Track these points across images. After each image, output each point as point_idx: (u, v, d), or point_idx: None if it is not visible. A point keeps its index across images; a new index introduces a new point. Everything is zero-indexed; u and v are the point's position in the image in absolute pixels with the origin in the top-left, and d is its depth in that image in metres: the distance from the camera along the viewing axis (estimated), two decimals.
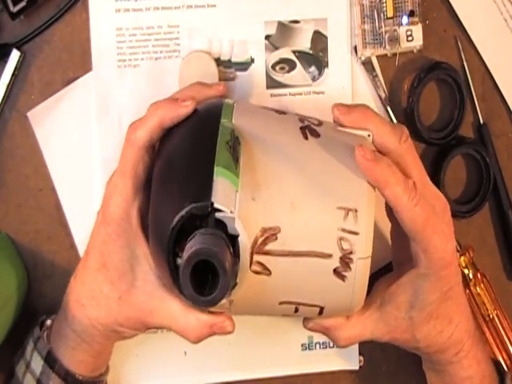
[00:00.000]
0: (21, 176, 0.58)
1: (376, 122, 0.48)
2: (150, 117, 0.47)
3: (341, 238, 0.44)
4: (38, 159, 0.58)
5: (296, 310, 0.46)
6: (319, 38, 0.59)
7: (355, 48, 0.59)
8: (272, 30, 0.59)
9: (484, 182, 0.62)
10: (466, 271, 0.61)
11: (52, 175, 0.58)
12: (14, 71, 0.57)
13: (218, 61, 0.58)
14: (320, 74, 0.59)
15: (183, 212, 0.41)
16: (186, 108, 0.47)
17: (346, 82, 0.59)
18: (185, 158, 0.45)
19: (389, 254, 0.55)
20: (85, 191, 0.58)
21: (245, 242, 0.42)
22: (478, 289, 0.61)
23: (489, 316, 0.61)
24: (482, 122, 0.62)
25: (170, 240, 0.42)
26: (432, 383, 0.56)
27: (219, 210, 0.41)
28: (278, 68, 0.59)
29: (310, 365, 0.62)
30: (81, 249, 0.58)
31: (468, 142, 0.62)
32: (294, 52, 0.59)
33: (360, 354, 0.62)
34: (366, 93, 0.60)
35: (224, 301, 0.41)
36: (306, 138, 0.47)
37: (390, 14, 0.59)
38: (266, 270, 0.43)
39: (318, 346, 0.62)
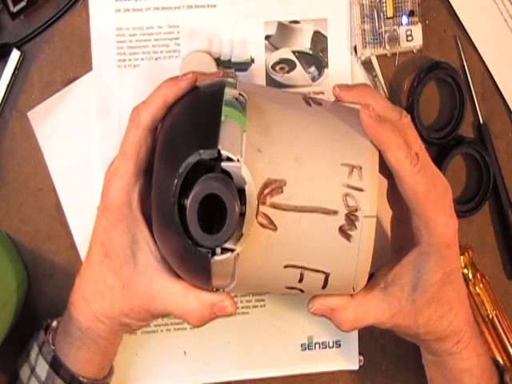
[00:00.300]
0: (21, 176, 0.58)
1: (377, 96, 0.49)
2: (154, 97, 0.47)
3: (346, 194, 0.44)
4: (37, 159, 0.58)
5: (301, 278, 0.45)
6: (319, 38, 0.59)
7: (355, 48, 0.59)
8: (272, 30, 0.59)
9: (484, 181, 0.62)
10: (465, 271, 0.61)
11: (52, 175, 0.58)
12: (14, 71, 0.57)
13: (218, 61, 0.58)
14: (320, 74, 0.59)
15: (190, 159, 0.41)
16: (186, 80, 0.47)
17: (346, 82, 0.59)
18: (189, 116, 0.45)
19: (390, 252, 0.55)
20: (85, 191, 0.58)
21: (251, 190, 0.42)
22: (477, 289, 0.61)
23: (488, 316, 0.61)
24: (481, 121, 0.62)
25: (177, 186, 0.42)
26: (431, 377, 0.56)
27: (225, 160, 0.41)
28: (277, 68, 0.59)
29: (309, 365, 0.62)
30: (81, 249, 0.58)
31: (468, 142, 0.62)
32: (293, 52, 0.59)
33: (360, 353, 0.62)
34: None
35: (229, 254, 0.42)
36: (309, 104, 0.47)
37: (389, 13, 0.59)
38: (271, 225, 0.43)
39: (317, 346, 0.62)
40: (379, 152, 0.45)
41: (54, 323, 0.53)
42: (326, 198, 0.44)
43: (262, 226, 0.43)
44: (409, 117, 0.48)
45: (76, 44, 0.57)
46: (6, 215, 0.58)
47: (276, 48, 0.59)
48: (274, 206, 0.43)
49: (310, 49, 0.59)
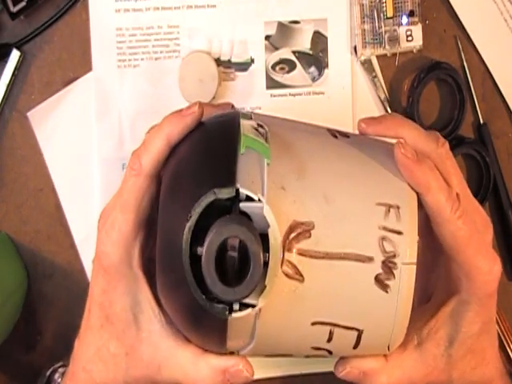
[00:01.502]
0: (21, 176, 0.58)
1: (409, 126, 0.44)
2: (155, 138, 0.41)
3: (383, 238, 0.38)
4: (37, 159, 0.58)
5: (330, 337, 0.39)
6: (319, 39, 0.59)
7: (355, 48, 0.59)
8: (272, 31, 0.59)
9: (484, 181, 0.62)
10: None
11: (52, 175, 0.58)
12: (14, 71, 0.57)
13: (218, 61, 0.58)
14: (320, 74, 0.59)
15: (203, 199, 0.36)
16: (192, 115, 0.41)
17: (346, 82, 0.59)
18: (199, 152, 0.39)
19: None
20: (85, 191, 0.58)
21: (275, 235, 0.36)
22: None
23: None
24: (482, 121, 0.62)
25: (189, 231, 0.36)
26: None
27: (244, 200, 0.36)
28: (277, 68, 0.59)
29: (309, 365, 0.62)
30: (81, 249, 0.58)
31: (468, 142, 0.62)
32: (293, 52, 0.59)
33: None
34: (366, 93, 0.60)
35: (249, 310, 0.36)
36: (336, 137, 0.42)
37: (389, 13, 0.59)
38: (298, 275, 0.37)
39: None
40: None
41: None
42: (360, 242, 0.38)
43: (288, 276, 0.37)
44: (447, 144, 0.43)
45: (76, 44, 0.57)
46: (6, 215, 0.58)
47: (276, 48, 0.59)
48: (301, 254, 0.37)
49: (310, 49, 0.59)
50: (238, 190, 0.36)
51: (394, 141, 0.42)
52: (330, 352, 0.41)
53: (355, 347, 0.40)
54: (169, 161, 0.41)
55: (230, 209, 0.36)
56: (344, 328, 0.39)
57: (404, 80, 0.61)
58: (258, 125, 0.40)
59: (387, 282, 0.38)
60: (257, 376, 0.61)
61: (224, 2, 0.58)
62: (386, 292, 0.38)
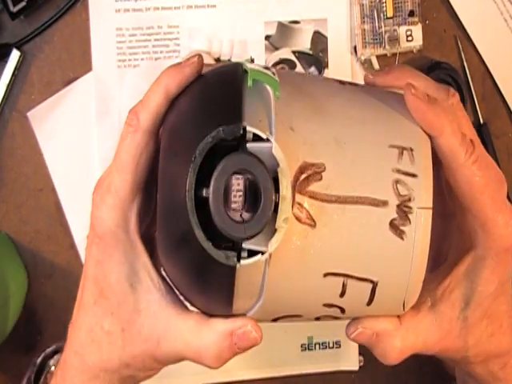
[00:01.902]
0: (21, 176, 0.58)
1: (419, 76, 0.42)
2: (153, 92, 0.39)
3: (397, 181, 0.36)
4: (37, 159, 0.58)
5: (343, 291, 0.37)
6: (319, 39, 0.59)
7: (355, 48, 0.59)
8: (272, 30, 0.59)
9: None
10: None
11: (52, 175, 0.58)
12: (14, 71, 0.57)
13: (218, 61, 0.58)
14: (320, 74, 0.59)
15: (208, 138, 0.34)
16: (192, 65, 0.38)
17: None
18: (202, 96, 0.37)
19: None
20: (85, 191, 0.58)
21: (285, 174, 0.34)
22: None
23: None
24: (482, 121, 0.62)
25: (194, 172, 0.34)
26: None
27: (251, 140, 0.34)
28: (278, 68, 0.59)
29: (309, 365, 0.62)
30: (81, 249, 0.58)
31: None
32: (293, 52, 0.59)
33: (360, 354, 0.62)
34: None
35: (259, 257, 0.34)
36: (343, 84, 0.40)
37: (389, 13, 0.59)
38: (309, 219, 0.35)
39: (317, 346, 0.62)
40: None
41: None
42: (374, 185, 0.36)
43: (299, 220, 0.35)
44: (457, 95, 0.41)
45: (76, 44, 0.57)
46: (6, 215, 0.58)
47: (276, 48, 0.59)
48: (312, 196, 0.35)
49: (310, 49, 0.59)
50: (244, 129, 0.34)
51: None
52: (342, 310, 0.38)
53: (369, 303, 0.38)
54: (168, 114, 0.39)
55: (236, 150, 0.34)
56: (358, 279, 0.37)
57: None
58: (265, 67, 0.37)
59: (402, 228, 0.36)
60: (256, 376, 0.61)
61: (224, 2, 0.58)
62: (402, 239, 0.36)
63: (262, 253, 0.34)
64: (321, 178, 0.35)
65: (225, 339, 0.38)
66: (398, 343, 0.40)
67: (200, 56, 0.39)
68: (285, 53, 0.59)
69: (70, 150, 0.58)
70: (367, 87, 0.42)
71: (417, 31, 0.59)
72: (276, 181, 0.34)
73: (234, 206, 0.34)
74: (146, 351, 0.39)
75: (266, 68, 0.37)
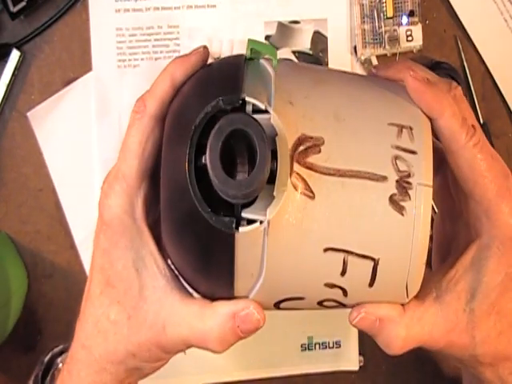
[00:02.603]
0: (21, 176, 0.58)
1: (420, 68, 0.41)
2: (159, 80, 0.40)
3: (396, 157, 0.36)
4: (37, 159, 0.58)
5: (344, 269, 0.37)
6: (319, 39, 0.59)
7: (355, 48, 0.59)
8: (272, 30, 0.59)
9: None
10: None
11: (52, 175, 0.58)
12: (14, 71, 0.57)
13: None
14: None
15: (208, 108, 0.34)
16: (197, 54, 0.40)
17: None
18: (204, 80, 0.38)
19: None
20: (85, 191, 0.58)
21: (283, 141, 0.34)
22: None
23: None
24: (482, 121, 0.62)
25: (193, 140, 0.34)
26: None
27: (251, 112, 0.35)
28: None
29: (309, 365, 0.62)
30: (81, 249, 0.58)
31: None
32: (293, 52, 0.59)
33: (360, 353, 0.62)
34: None
35: (258, 225, 0.34)
36: (344, 72, 0.41)
37: (389, 13, 0.59)
38: (308, 190, 0.35)
39: (317, 346, 0.62)
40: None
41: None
42: (373, 160, 0.36)
43: (297, 189, 0.35)
44: (459, 88, 0.41)
45: (76, 44, 0.57)
46: (6, 215, 0.58)
47: (276, 48, 0.59)
48: (311, 168, 0.35)
49: (310, 49, 0.59)
50: (244, 100, 0.34)
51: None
52: (344, 292, 0.38)
53: (371, 284, 0.38)
54: (173, 100, 0.39)
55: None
56: (358, 256, 0.37)
57: None
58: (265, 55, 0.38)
59: (402, 204, 0.36)
60: (256, 376, 0.61)
61: (224, 1, 0.58)
62: (402, 214, 0.36)
63: (261, 221, 0.34)
64: (319, 151, 0.35)
65: (227, 321, 0.38)
66: (402, 331, 0.40)
67: (205, 46, 0.40)
68: (285, 53, 0.59)
69: (69, 150, 0.58)
70: (369, 76, 0.43)
71: (417, 31, 0.59)
72: (275, 152, 0.34)
73: (236, 172, 0.34)
74: (152, 339, 0.39)
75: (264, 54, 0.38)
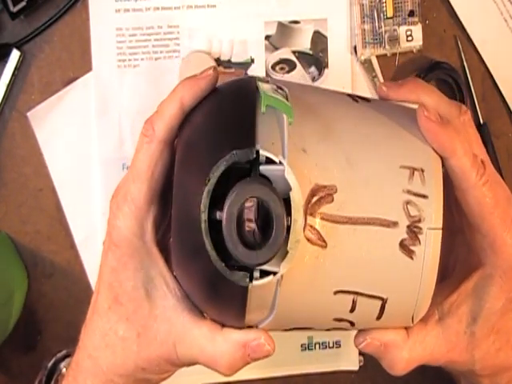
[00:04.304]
0: (21, 176, 0.58)
1: (431, 91, 0.43)
2: (168, 104, 0.40)
3: (407, 202, 0.37)
4: (37, 159, 0.58)
5: (353, 307, 0.38)
6: (319, 39, 0.59)
7: (355, 48, 0.59)
8: (272, 30, 0.59)
9: None
10: None
11: (52, 175, 0.58)
12: (14, 71, 0.57)
13: (217, 61, 0.58)
14: (320, 74, 0.59)
15: (222, 161, 0.35)
16: (207, 78, 0.39)
17: (346, 82, 0.59)
18: (216, 114, 0.38)
19: None
20: (85, 191, 0.58)
21: (297, 197, 0.34)
22: None
23: None
24: (481, 121, 0.62)
25: (207, 195, 0.35)
26: None
27: (264, 163, 0.35)
28: (277, 68, 0.59)
29: (309, 365, 0.62)
30: (81, 249, 0.58)
31: None
32: (293, 52, 0.59)
33: (360, 354, 0.62)
34: (366, 93, 0.60)
35: (271, 278, 0.35)
36: (356, 101, 0.41)
37: (389, 13, 0.59)
38: (321, 240, 0.36)
39: (317, 346, 0.62)
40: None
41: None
42: (385, 206, 0.37)
43: (310, 242, 0.36)
44: (469, 113, 0.42)
45: (76, 44, 0.57)
46: (6, 215, 0.58)
47: (276, 48, 0.59)
48: (324, 218, 0.36)
49: (310, 49, 0.59)
50: (257, 152, 0.35)
51: (415, 106, 0.40)
52: (352, 324, 0.39)
53: (379, 318, 0.39)
54: (183, 127, 0.40)
55: (249, 173, 0.35)
56: (367, 297, 0.38)
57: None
58: (278, 87, 0.38)
59: (412, 248, 0.37)
60: (255, 376, 0.61)
61: (224, 1, 0.58)
62: (411, 258, 0.37)
63: (274, 273, 0.35)
64: (332, 200, 0.36)
65: (238, 350, 0.39)
66: (405, 354, 0.41)
67: (215, 68, 0.40)
68: (285, 53, 0.59)
69: (70, 150, 0.58)
70: (379, 102, 0.43)
71: (417, 31, 0.59)
72: (288, 202, 0.35)
73: (247, 229, 0.34)
74: (162, 355, 0.40)
75: (279, 88, 0.38)
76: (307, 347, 0.62)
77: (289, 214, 0.34)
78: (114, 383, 0.41)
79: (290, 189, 0.34)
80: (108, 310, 0.41)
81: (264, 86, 0.37)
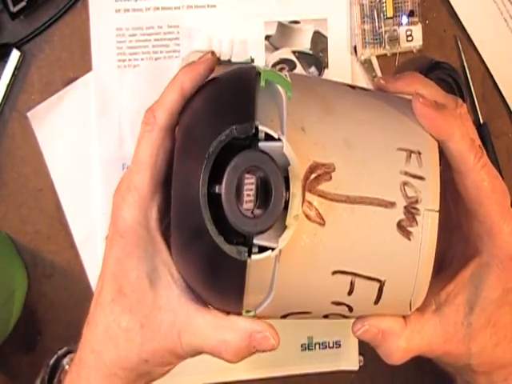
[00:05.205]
0: (21, 176, 0.58)
1: (428, 84, 0.43)
2: (168, 90, 0.40)
3: (404, 183, 0.37)
4: (37, 159, 0.58)
5: (351, 289, 0.38)
6: (319, 39, 0.59)
7: (355, 48, 0.59)
8: (272, 30, 0.59)
9: None
10: None
11: (52, 175, 0.58)
12: (14, 71, 0.57)
13: (218, 61, 0.58)
14: (320, 74, 0.59)
15: (222, 136, 0.35)
16: (205, 62, 0.40)
17: (346, 82, 0.59)
18: (215, 96, 0.38)
19: None
20: (85, 191, 0.58)
21: (296, 172, 0.35)
22: None
23: None
24: (481, 121, 0.62)
25: (207, 167, 0.35)
26: None
27: (263, 139, 0.35)
28: (277, 68, 0.59)
29: (309, 365, 0.62)
30: (81, 249, 0.58)
31: None
32: (293, 52, 0.59)
33: (360, 354, 0.62)
34: None
35: (269, 253, 0.35)
36: (354, 88, 0.42)
37: (389, 13, 0.59)
38: (318, 218, 0.36)
39: (317, 346, 0.62)
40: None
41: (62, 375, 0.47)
42: (382, 187, 0.37)
43: (309, 218, 0.36)
44: (465, 106, 0.42)
45: (76, 44, 0.57)
46: (6, 215, 0.58)
47: (276, 48, 0.59)
48: (322, 195, 0.36)
49: (310, 49, 0.59)
50: (257, 128, 0.35)
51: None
52: (350, 308, 0.39)
53: (376, 302, 0.39)
54: (183, 113, 0.40)
55: (248, 149, 0.35)
56: (365, 278, 0.38)
57: None
58: (278, 69, 0.39)
59: (410, 229, 0.37)
60: (255, 376, 0.61)
61: (224, 1, 0.58)
62: (409, 239, 0.37)
63: (273, 249, 0.35)
64: (330, 178, 0.36)
65: (244, 339, 0.39)
66: (402, 343, 0.41)
67: (213, 53, 0.40)
68: (285, 53, 0.59)
69: (69, 150, 0.58)
70: (377, 92, 0.43)
71: (417, 31, 0.59)
72: (287, 179, 0.35)
73: (246, 203, 0.35)
74: (166, 346, 0.40)
75: (279, 70, 0.39)
76: (307, 347, 0.62)
77: (287, 189, 0.35)
78: (117, 377, 0.41)
79: (289, 164, 0.35)
80: (111, 301, 0.41)
81: (264, 67, 0.38)
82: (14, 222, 0.58)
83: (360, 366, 0.62)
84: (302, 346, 0.62)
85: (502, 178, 0.62)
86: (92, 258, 0.58)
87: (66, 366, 0.48)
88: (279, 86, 0.37)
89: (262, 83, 0.36)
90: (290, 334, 0.61)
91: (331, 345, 0.62)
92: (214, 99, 0.38)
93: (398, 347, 0.41)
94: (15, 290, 0.56)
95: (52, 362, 0.51)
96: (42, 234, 0.59)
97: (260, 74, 0.37)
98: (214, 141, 0.35)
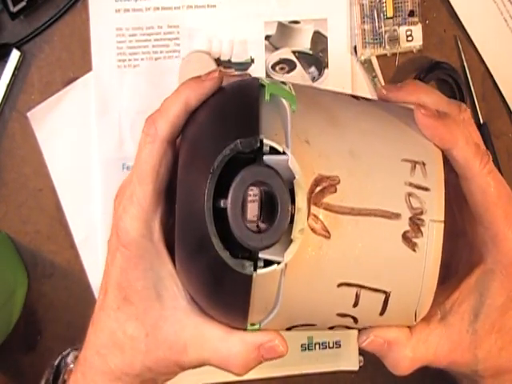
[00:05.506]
0: (21, 176, 0.58)
1: (431, 92, 0.43)
2: (172, 102, 0.39)
3: (409, 194, 0.37)
4: (37, 159, 0.58)
5: (356, 301, 0.38)
6: (319, 39, 0.59)
7: (355, 48, 0.59)
8: (272, 30, 0.59)
9: None
10: None
11: (52, 175, 0.58)
12: (14, 71, 0.57)
13: (217, 61, 0.58)
14: (320, 74, 0.59)
15: (227, 150, 0.35)
16: (212, 80, 0.39)
17: (346, 82, 0.59)
18: (220, 110, 0.38)
19: None
20: (85, 191, 0.58)
21: (301, 186, 0.35)
22: None
23: None
24: (481, 121, 0.62)
25: (212, 182, 0.35)
26: None
27: (268, 153, 0.35)
28: (277, 68, 0.59)
29: (309, 365, 0.62)
30: (81, 249, 0.58)
31: None
32: (293, 52, 0.59)
33: (360, 354, 0.62)
34: (366, 93, 0.60)
35: (275, 267, 0.35)
36: (357, 99, 0.42)
37: (389, 13, 0.59)
38: (324, 230, 0.36)
39: (317, 346, 0.62)
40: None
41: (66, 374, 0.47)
42: (387, 198, 0.37)
43: (314, 231, 0.36)
44: (468, 111, 0.42)
45: (76, 44, 0.57)
46: (6, 215, 0.58)
47: (276, 48, 0.59)
48: (327, 208, 0.36)
49: (310, 49, 0.59)
50: (261, 142, 0.35)
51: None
52: (355, 320, 0.39)
53: (382, 313, 0.39)
54: (187, 126, 0.40)
55: (253, 163, 0.35)
56: (371, 290, 0.38)
57: (404, 80, 0.61)
58: (281, 82, 0.39)
59: (415, 240, 0.37)
60: (256, 376, 0.61)
61: (224, 1, 0.58)
62: (414, 251, 0.37)
63: (278, 263, 0.35)
64: (335, 191, 0.36)
65: (253, 351, 0.39)
66: (408, 353, 0.41)
67: (221, 71, 0.40)
68: (285, 53, 0.59)
69: (69, 150, 0.58)
70: (380, 102, 0.43)
71: (417, 31, 0.59)
72: (292, 192, 0.35)
73: (250, 216, 0.35)
74: (171, 357, 0.40)
75: (282, 83, 0.38)
76: (307, 347, 0.62)
77: (293, 203, 0.35)
78: (122, 382, 0.41)
79: (294, 178, 0.35)
80: (117, 309, 0.40)
81: (267, 80, 0.38)
82: (14, 221, 0.58)
83: (360, 366, 0.62)
84: (302, 346, 0.62)
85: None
86: (92, 258, 0.58)
87: (71, 365, 0.48)
88: (283, 99, 0.37)
89: (267, 97, 0.36)
90: (290, 334, 0.61)
91: (331, 345, 0.62)
92: (218, 113, 0.38)
93: (405, 357, 0.41)
94: (15, 290, 0.56)
95: (56, 362, 0.51)
96: (41, 234, 0.59)
97: (264, 86, 0.37)
98: (219, 155, 0.35)
